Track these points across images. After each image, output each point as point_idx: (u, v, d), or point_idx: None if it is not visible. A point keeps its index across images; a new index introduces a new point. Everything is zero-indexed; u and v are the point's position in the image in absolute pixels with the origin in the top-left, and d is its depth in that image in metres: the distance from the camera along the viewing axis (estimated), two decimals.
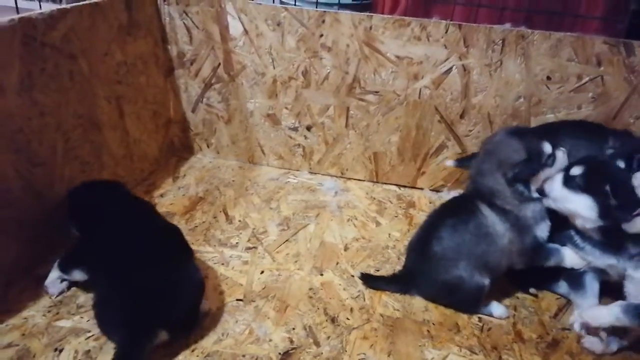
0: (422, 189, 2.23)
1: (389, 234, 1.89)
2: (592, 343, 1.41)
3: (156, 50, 2.14)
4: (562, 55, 1.87)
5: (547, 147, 1.47)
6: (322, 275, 1.64)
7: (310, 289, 1.57)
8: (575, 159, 1.50)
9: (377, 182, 2.26)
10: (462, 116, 2.06)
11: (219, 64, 2.16)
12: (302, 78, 2.11)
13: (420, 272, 1.54)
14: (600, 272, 1.50)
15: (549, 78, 1.92)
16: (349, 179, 2.27)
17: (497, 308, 1.50)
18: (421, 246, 1.55)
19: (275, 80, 2.14)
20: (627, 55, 1.83)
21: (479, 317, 1.51)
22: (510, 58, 1.91)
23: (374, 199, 2.14)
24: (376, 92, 2.08)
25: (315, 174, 2.29)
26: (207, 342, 1.34)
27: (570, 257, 1.49)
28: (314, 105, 2.16)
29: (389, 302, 1.55)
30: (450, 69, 1.98)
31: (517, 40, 1.88)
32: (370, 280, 1.61)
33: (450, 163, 2.06)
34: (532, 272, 1.56)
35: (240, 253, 1.71)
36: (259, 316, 1.45)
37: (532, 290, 1.65)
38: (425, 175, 2.22)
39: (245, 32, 2.08)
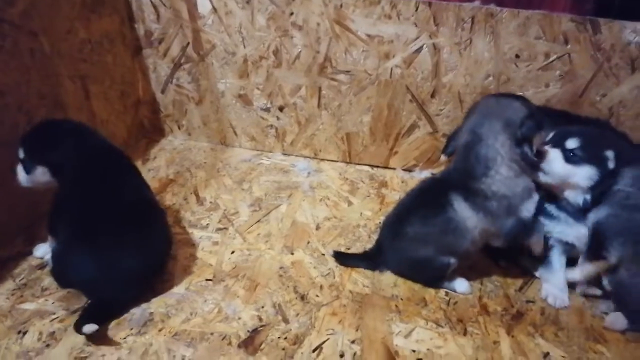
0: (394, 168, 2.24)
1: (361, 213, 1.90)
2: (614, 321, 1.45)
3: (123, 29, 2.08)
4: (530, 34, 1.89)
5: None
6: (292, 254, 1.65)
7: (281, 267, 1.58)
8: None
9: (350, 162, 2.27)
10: (432, 95, 2.06)
11: (188, 43, 2.12)
12: (273, 57, 2.08)
13: (391, 248, 1.57)
14: (568, 247, 1.55)
15: (517, 56, 1.93)
16: (322, 159, 2.27)
17: (461, 284, 1.53)
18: (395, 224, 1.57)
19: (246, 59, 2.11)
20: (594, 32, 1.85)
21: (446, 292, 1.54)
22: (479, 36, 1.92)
23: (347, 179, 2.14)
24: (348, 71, 2.07)
25: (289, 155, 2.28)
26: (175, 322, 1.34)
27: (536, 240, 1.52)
28: (286, 85, 2.14)
29: (358, 279, 1.56)
30: (420, 48, 1.98)
31: (486, 19, 1.88)
32: (342, 258, 1.62)
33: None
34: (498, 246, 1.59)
35: (211, 234, 1.70)
36: (228, 295, 1.45)
37: (501, 263, 1.68)
38: (398, 155, 2.23)
39: (214, 10, 2.04)
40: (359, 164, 2.26)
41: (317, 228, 1.79)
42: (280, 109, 2.20)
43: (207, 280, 1.50)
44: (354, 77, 2.07)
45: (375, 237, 1.74)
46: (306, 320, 1.39)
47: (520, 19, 1.86)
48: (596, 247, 1.45)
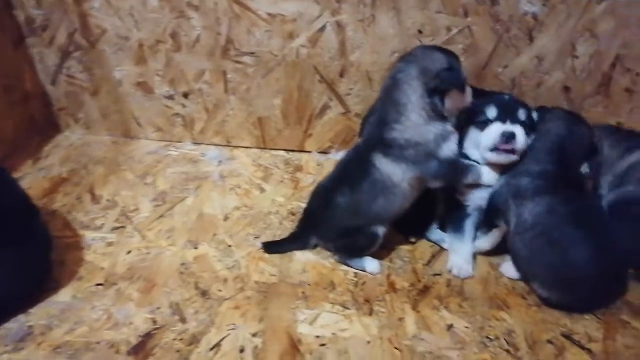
0: (310, 152, 2.19)
1: (273, 200, 1.84)
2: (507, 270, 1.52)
3: (1, 17, 1.88)
4: (431, 8, 1.87)
5: (463, 71, 1.47)
6: (196, 248, 1.57)
7: (182, 264, 1.49)
8: None
9: (265, 148, 2.19)
10: (341, 75, 2.02)
11: (75, 29, 1.94)
12: (171, 41, 1.96)
13: (323, 219, 1.52)
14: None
15: (420, 32, 1.91)
16: (236, 147, 2.18)
17: (370, 263, 1.52)
18: (326, 194, 1.53)
19: (142, 44, 1.96)
20: (492, 4, 1.86)
21: (355, 273, 1.52)
22: (381, 12, 1.88)
23: (261, 165, 2.07)
24: (252, 53, 1.98)
25: (199, 144, 2.17)
26: (57, 333, 1.23)
27: (487, 172, 1.49)
28: (188, 70, 2.02)
29: (265, 268, 1.51)
30: (324, 26, 1.92)
31: None
32: (271, 247, 1.57)
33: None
34: (408, 221, 1.58)
35: (105, 234, 1.59)
36: (121, 299, 1.35)
37: (412, 238, 1.68)
38: (312, 137, 2.17)
39: None
40: (274, 149, 2.19)
41: (226, 219, 1.71)
42: (185, 95, 2.08)
43: (97, 285, 1.39)
44: (260, 58, 1.99)
45: (286, 223, 1.70)
46: (205, 318, 1.32)
47: None
48: (491, 216, 1.47)
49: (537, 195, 1.40)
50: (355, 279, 1.50)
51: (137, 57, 1.99)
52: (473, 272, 1.53)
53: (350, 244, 1.51)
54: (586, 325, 1.37)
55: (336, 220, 1.49)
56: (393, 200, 1.46)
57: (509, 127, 1.44)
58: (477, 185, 1.52)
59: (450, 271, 1.53)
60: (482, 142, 1.46)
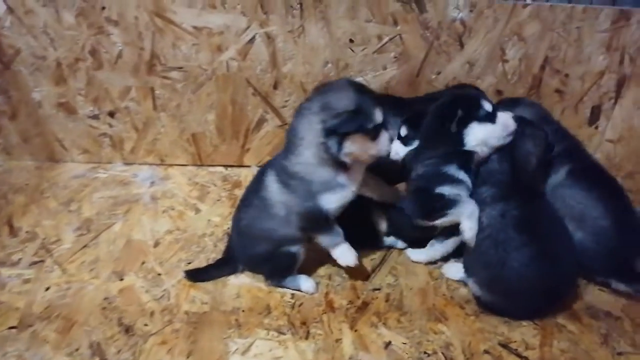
0: (249, 166, 2.12)
1: (209, 220, 1.77)
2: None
3: None
4: (361, 17, 1.85)
5: (379, 115, 1.29)
6: (121, 280, 1.47)
7: (105, 298, 1.40)
8: None
9: (202, 165, 2.11)
10: (275, 87, 1.97)
11: None
12: (91, 58, 1.85)
13: (236, 246, 1.49)
14: None
15: (351, 41, 1.89)
16: (170, 165, 2.09)
17: (304, 282, 1.47)
18: (234, 221, 1.51)
19: (60, 63, 1.85)
20: (420, 12, 1.86)
21: (292, 294, 1.47)
22: (311, 23, 1.85)
23: (197, 183, 1.99)
24: (180, 68, 1.90)
25: (131, 164, 2.07)
26: None
27: (344, 250, 1.40)
28: (112, 88, 1.92)
29: (197, 296, 1.43)
30: (253, 38, 1.86)
31: (315, 4, 1.81)
32: (198, 275, 1.49)
33: None
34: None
35: (22, 271, 1.47)
36: (36, 342, 1.25)
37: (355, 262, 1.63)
38: (251, 151, 2.11)
39: (10, 10, 1.75)
40: (211, 166, 2.11)
41: (156, 244, 1.63)
42: (111, 114, 1.97)
43: (10, 328, 1.29)
44: (188, 73, 1.91)
45: (222, 245, 1.64)
46: (129, 357, 1.23)
47: (348, 3, 1.81)
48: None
49: (494, 202, 1.40)
50: (292, 301, 1.44)
51: (56, 76, 1.87)
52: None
53: (271, 269, 1.46)
54: (523, 333, 1.37)
55: (247, 249, 1.46)
56: (273, 225, 1.39)
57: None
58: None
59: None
60: (497, 132, 1.40)
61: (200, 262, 1.56)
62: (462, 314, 1.43)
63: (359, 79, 1.95)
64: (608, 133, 2.07)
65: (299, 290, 1.46)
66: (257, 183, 1.42)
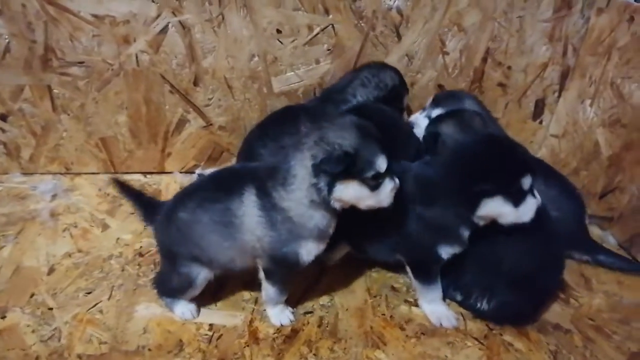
0: (171, 172, 1.90)
1: (117, 239, 1.54)
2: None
3: None
4: (287, 5, 1.66)
5: (382, 163, 1.09)
6: (4, 318, 1.23)
7: None
8: None
9: (116, 172, 1.86)
10: (195, 83, 1.75)
11: None
12: None
13: (160, 230, 1.29)
14: None
15: (279, 31, 1.70)
16: (78, 174, 1.83)
17: (180, 307, 1.27)
18: (175, 200, 1.26)
19: None
20: (353, 0, 1.69)
21: (210, 325, 1.27)
22: (231, 11, 1.64)
23: (108, 195, 1.74)
24: (81, 62, 1.65)
25: (31, 174, 1.79)
26: None
27: (280, 310, 1.28)
28: (2, 87, 1.64)
29: (94, 335, 1.21)
30: (165, 28, 1.64)
31: None
32: (124, 189, 1.44)
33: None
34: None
35: None
36: None
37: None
38: (172, 156, 1.88)
39: None
40: (128, 173, 1.87)
41: (51, 272, 1.39)
42: (3, 118, 1.69)
43: None
44: (91, 68, 1.66)
45: (130, 268, 1.42)
46: None
47: None
48: None
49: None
50: (210, 333, 1.25)
51: None
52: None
53: (162, 278, 1.28)
54: (468, 355, 1.24)
55: (165, 236, 1.25)
56: (228, 246, 1.18)
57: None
58: None
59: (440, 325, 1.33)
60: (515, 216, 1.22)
61: (102, 291, 1.33)
62: (402, 337, 1.28)
63: (290, 74, 1.78)
64: (552, 128, 2.00)
65: (171, 311, 1.28)
66: (228, 187, 1.17)
